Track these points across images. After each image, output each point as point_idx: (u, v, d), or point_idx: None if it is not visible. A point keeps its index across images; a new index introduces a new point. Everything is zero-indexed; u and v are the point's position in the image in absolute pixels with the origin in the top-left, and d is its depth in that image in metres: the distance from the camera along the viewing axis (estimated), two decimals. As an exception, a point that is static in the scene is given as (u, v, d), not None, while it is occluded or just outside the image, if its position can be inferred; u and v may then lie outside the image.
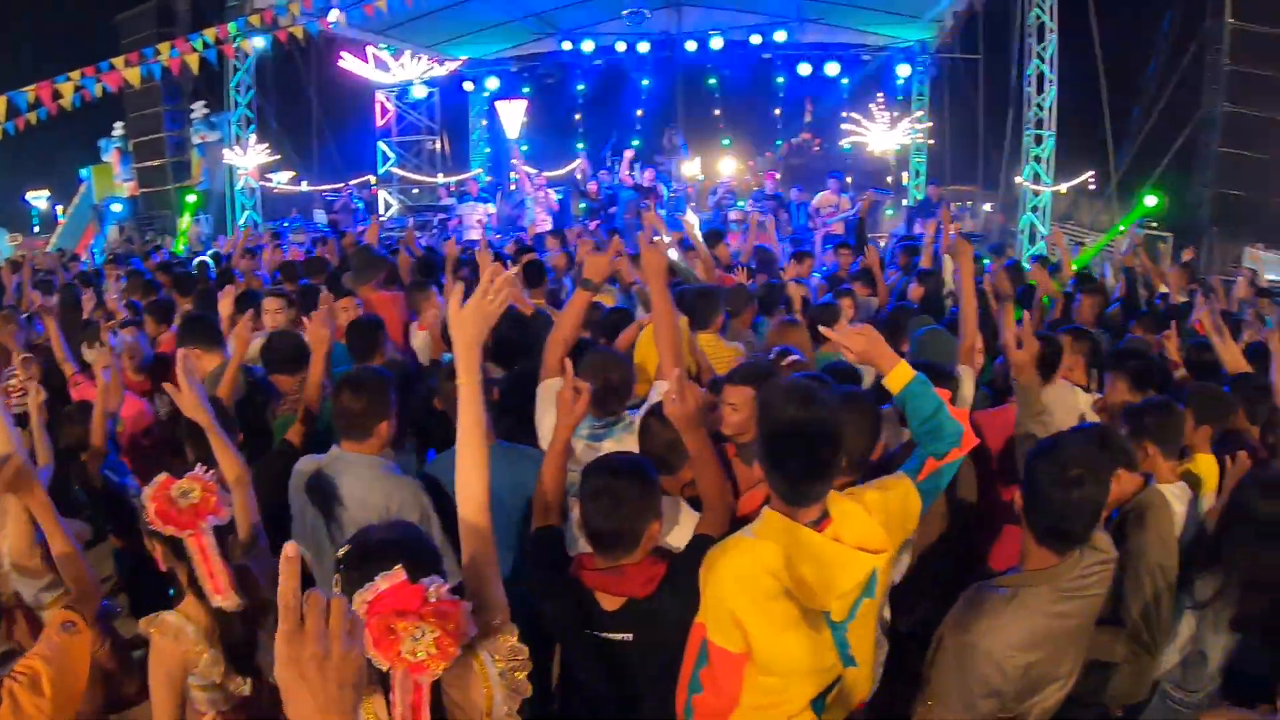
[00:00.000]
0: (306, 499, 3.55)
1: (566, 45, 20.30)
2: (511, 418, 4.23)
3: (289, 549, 1.37)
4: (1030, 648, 2.61)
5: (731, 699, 2.58)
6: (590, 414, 3.60)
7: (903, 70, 19.69)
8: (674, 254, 8.15)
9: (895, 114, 20.35)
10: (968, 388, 4.30)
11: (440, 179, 22.26)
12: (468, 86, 21.94)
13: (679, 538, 3.10)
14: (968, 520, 3.94)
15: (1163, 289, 8.32)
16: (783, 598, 2.50)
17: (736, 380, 3.71)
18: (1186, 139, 18.66)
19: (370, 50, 19.90)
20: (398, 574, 1.85)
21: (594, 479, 2.83)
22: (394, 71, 20.81)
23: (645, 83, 21.46)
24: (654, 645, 2.83)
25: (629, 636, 2.84)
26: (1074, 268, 8.82)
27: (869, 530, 2.61)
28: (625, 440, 3.69)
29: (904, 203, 19.40)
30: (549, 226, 15.24)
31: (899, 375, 2.85)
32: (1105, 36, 17.25)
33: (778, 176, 19.61)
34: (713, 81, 21.63)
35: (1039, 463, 2.67)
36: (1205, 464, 4.12)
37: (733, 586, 2.53)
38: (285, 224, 18.46)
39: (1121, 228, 13.92)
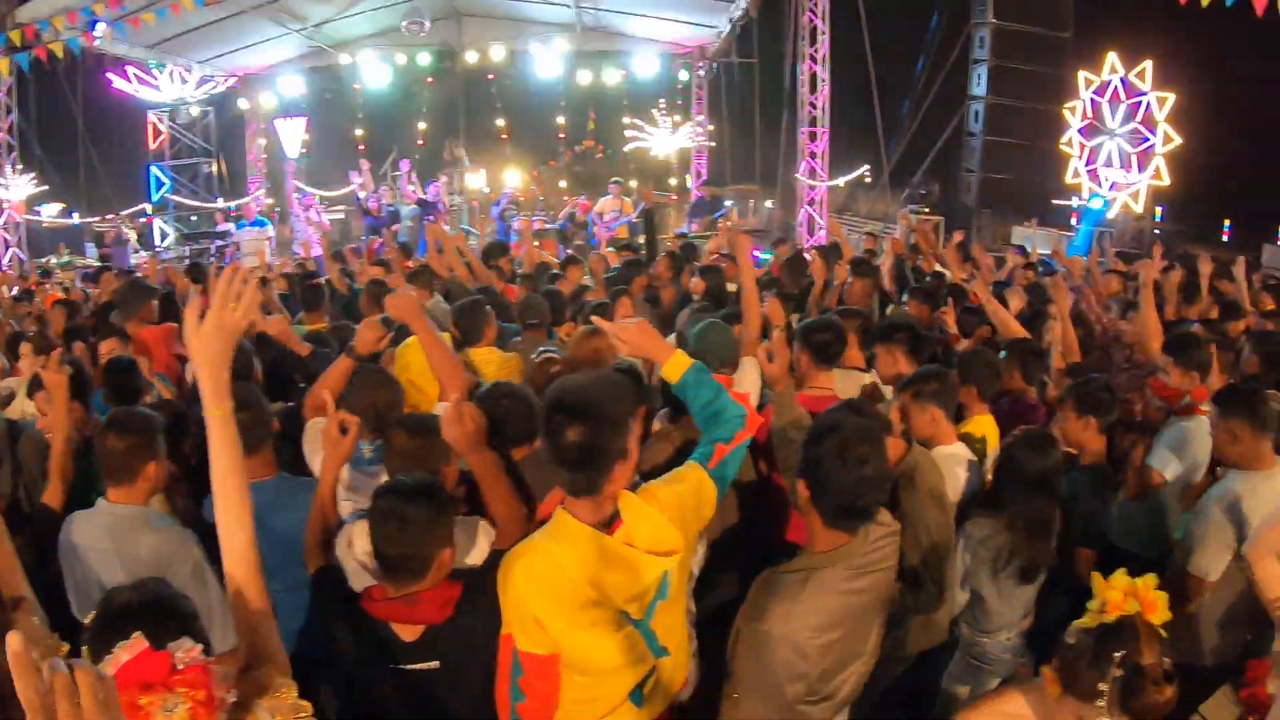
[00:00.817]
0: (76, 563, 3.29)
1: (345, 59, 19.69)
2: (293, 446, 4.07)
3: (13, 642, 1.15)
4: (829, 628, 2.61)
5: (553, 701, 2.54)
6: (362, 438, 3.48)
7: (682, 74, 20.06)
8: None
9: (677, 118, 20.55)
10: (750, 379, 4.32)
11: (220, 204, 21.23)
12: (243, 104, 20.97)
13: (480, 557, 3.04)
14: (759, 505, 3.96)
15: (938, 269, 8.70)
16: (579, 598, 2.47)
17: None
18: (953, 129, 19.77)
19: (134, 70, 18.73)
20: (137, 642, 1.61)
21: (382, 502, 2.71)
22: (166, 90, 19.60)
23: (426, 95, 21.10)
24: (463, 669, 2.74)
25: (435, 664, 2.73)
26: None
27: (660, 531, 2.55)
28: None
29: (685, 205, 19.70)
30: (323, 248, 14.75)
31: (675, 365, 2.79)
32: (875, 37, 17.99)
33: (560, 185, 19.64)
34: (494, 92, 21.45)
35: (822, 446, 2.63)
36: (984, 423, 4.37)
37: (529, 589, 2.47)
38: (54, 261, 17.17)
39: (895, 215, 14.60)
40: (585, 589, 2.47)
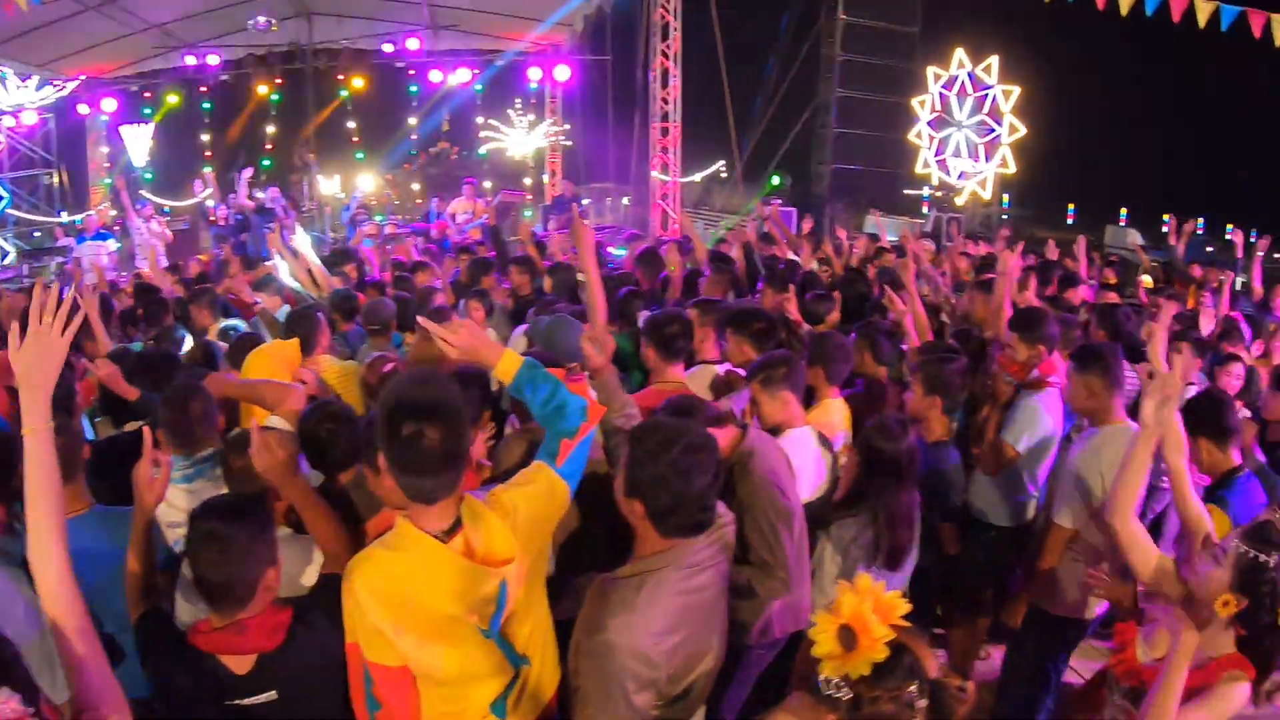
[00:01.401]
0: None
1: (191, 60, 18.77)
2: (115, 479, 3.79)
3: None
4: (672, 631, 2.53)
5: (411, 712, 2.45)
6: (176, 453, 3.38)
7: (536, 73, 19.68)
8: (288, 276, 7.72)
9: (532, 118, 20.46)
10: None
11: (64, 218, 20.27)
12: (83, 110, 20.00)
13: (313, 577, 2.94)
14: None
15: (792, 257, 8.80)
16: (421, 608, 2.39)
17: None
18: (805, 123, 20.26)
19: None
20: None
21: (200, 524, 2.55)
22: (2, 97, 18.65)
23: (275, 98, 20.35)
24: (303, 696, 2.60)
25: (272, 695, 2.57)
26: (707, 247, 9.23)
27: (499, 540, 2.47)
28: (220, 477, 3.45)
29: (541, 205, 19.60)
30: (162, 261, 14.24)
31: (507, 365, 2.70)
32: (727, 33, 18.27)
33: (415, 188, 19.31)
34: (345, 93, 20.71)
35: (656, 460, 2.51)
36: (835, 406, 4.45)
37: (370, 600, 2.37)
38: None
39: (746, 212, 14.84)
40: (426, 599, 2.39)
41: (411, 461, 2.32)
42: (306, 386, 4.35)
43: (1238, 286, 9.01)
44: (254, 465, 2.88)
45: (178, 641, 2.64)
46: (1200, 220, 15.41)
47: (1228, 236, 9.88)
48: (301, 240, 8.09)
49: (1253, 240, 9.65)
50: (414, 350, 4.94)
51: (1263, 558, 2.56)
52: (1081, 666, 4.54)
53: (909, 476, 3.64)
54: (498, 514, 2.50)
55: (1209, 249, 18.02)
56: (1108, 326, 5.77)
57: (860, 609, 1.92)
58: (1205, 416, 3.83)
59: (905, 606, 1.97)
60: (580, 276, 6.87)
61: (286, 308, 6.69)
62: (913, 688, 1.88)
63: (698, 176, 18.14)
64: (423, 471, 2.34)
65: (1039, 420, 4.57)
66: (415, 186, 18.33)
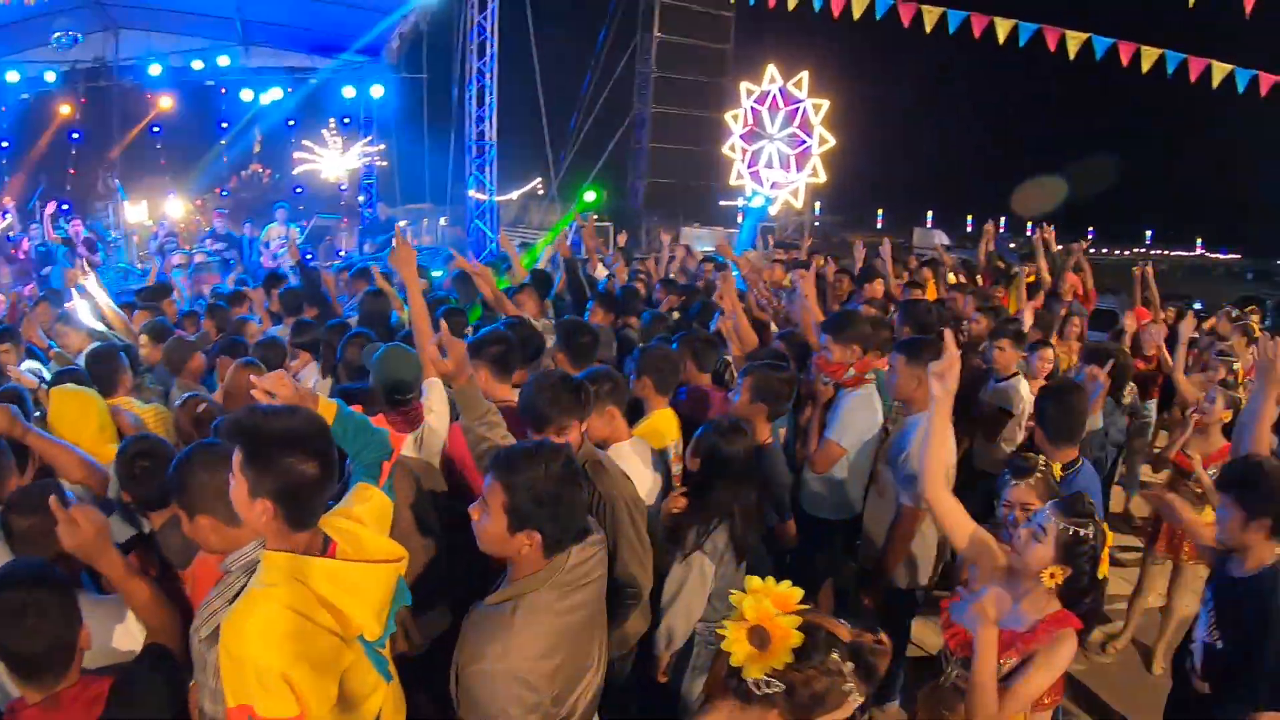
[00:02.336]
0: None
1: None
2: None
3: None
4: (551, 653, 2.52)
5: None
6: None
7: (350, 92, 19.35)
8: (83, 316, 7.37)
9: (346, 138, 20.16)
10: (438, 399, 4.16)
11: None
12: None
13: (125, 639, 2.78)
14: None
15: (606, 273, 9.02)
16: (320, 635, 2.31)
17: None
18: (620, 138, 20.72)
19: None
20: None
21: (6, 597, 2.37)
22: None
23: (78, 118, 19.01)
24: None
25: None
26: (524, 265, 9.31)
27: (377, 541, 2.50)
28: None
29: (357, 227, 19.20)
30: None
31: (326, 410, 2.70)
32: (544, 51, 18.48)
33: (226, 212, 18.51)
34: (153, 114, 19.37)
35: (531, 471, 2.50)
36: (665, 416, 4.44)
37: (270, 648, 2.22)
38: None
39: (564, 225, 15.11)
40: (327, 623, 2.32)
41: (298, 490, 2.29)
42: (124, 429, 4.21)
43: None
44: (64, 544, 2.66)
45: None
46: (1003, 219, 16.31)
47: (1027, 233, 10.53)
48: (90, 282, 7.77)
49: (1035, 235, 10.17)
50: (228, 384, 4.77)
51: (1082, 532, 2.81)
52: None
53: (754, 474, 3.73)
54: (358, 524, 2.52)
55: (1011, 245, 19.17)
56: (912, 321, 6.02)
57: (761, 607, 1.98)
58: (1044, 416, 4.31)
59: (799, 592, 2.03)
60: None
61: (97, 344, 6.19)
62: (835, 655, 1.94)
63: (515, 194, 18.26)
64: (309, 497, 2.33)
65: (860, 417, 4.74)
66: (224, 212, 17.47)
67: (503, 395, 4.17)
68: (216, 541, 2.57)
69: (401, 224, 17.06)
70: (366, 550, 2.45)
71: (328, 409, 2.70)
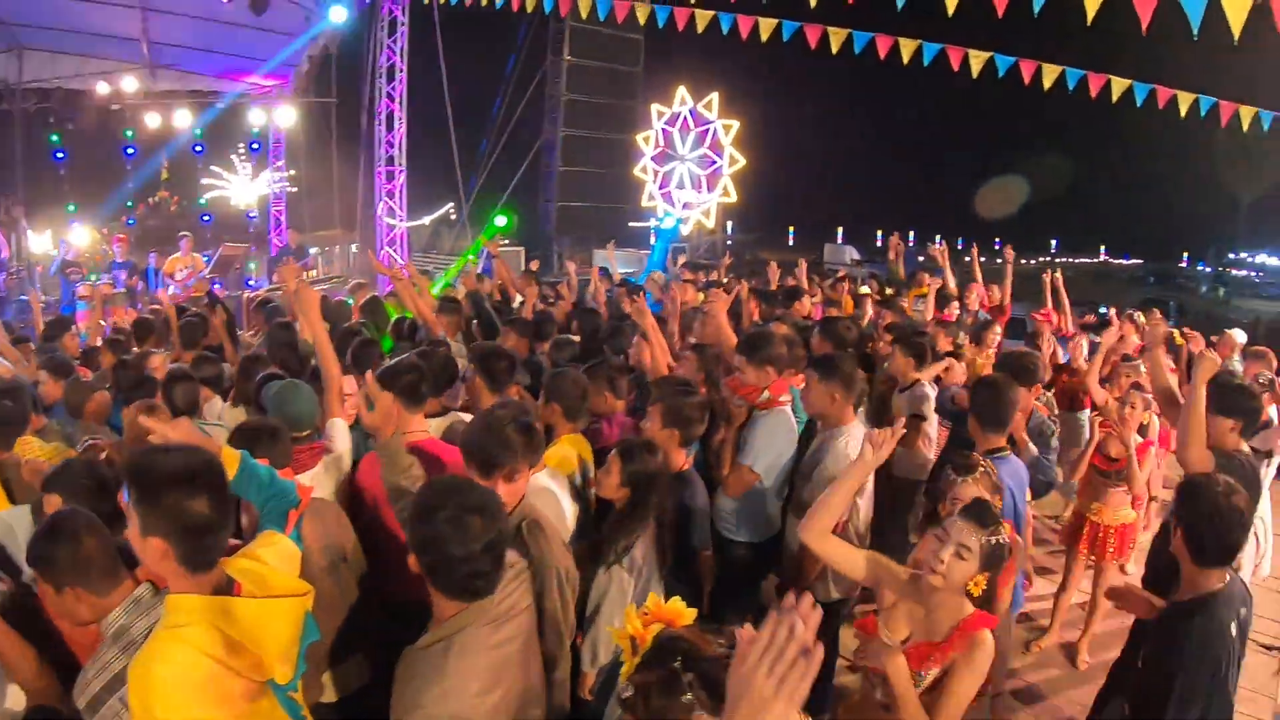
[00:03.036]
0: None
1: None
2: None
3: None
4: (490, 689, 2.50)
5: None
6: None
7: (259, 117, 19.02)
8: None
9: (255, 164, 19.84)
10: (341, 438, 4.11)
11: None
12: None
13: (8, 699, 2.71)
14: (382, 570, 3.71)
15: (520, 299, 9.05)
16: (233, 679, 2.23)
17: None
18: (530, 162, 20.88)
19: None
20: None
21: None
22: None
23: None
24: None
25: None
26: (432, 292, 9.27)
27: (281, 577, 2.44)
28: None
29: (266, 255, 18.90)
30: None
31: (229, 460, 2.68)
32: (454, 75, 18.48)
33: (128, 240, 17.90)
34: (56, 138, 19.10)
35: (439, 525, 2.45)
36: (575, 441, 4.35)
37: (175, 691, 2.13)
38: None
39: (471, 255, 15.20)
40: (238, 665, 2.25)
41: (189, 529, 2.23)
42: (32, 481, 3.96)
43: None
44: None
45: None
46: (910, 233, 16.82)
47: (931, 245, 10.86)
48: None
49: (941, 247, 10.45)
50: (129, 430, 4.59)
51: (999, 539, 2.92)
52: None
53: (670, 488, 3.77)
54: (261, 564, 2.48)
55: (920, 258, 19.67)
56: (831, 337, 6.17)
57: (634, 620, 2.09)
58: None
59: (690, 613, 2.12)
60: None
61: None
62: (675, 664, 1.94)
63: (426, 220, 18.24)
64: (201, 536, 2.26)
65: (774, 441, 4.69)
66: (132, 240, 16.89)
67: (415, 426, 4.10)
68: (86, 613, 2.51)
69: (314, 251, 16.86)
70: (271, 587, 2.39)
71: (230, 459, 2.67)
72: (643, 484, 3.66)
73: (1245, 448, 4.36)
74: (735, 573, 4.76)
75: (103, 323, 9.94)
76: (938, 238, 10.91)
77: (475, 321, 7.56)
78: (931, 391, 6.00)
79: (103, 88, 17.63)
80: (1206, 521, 3.09)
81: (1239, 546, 3.15)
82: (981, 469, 3.72)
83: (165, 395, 5.05)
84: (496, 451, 3.25)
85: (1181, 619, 3.16)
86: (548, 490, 3.82)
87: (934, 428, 6.00)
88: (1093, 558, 5.96)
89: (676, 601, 2.15)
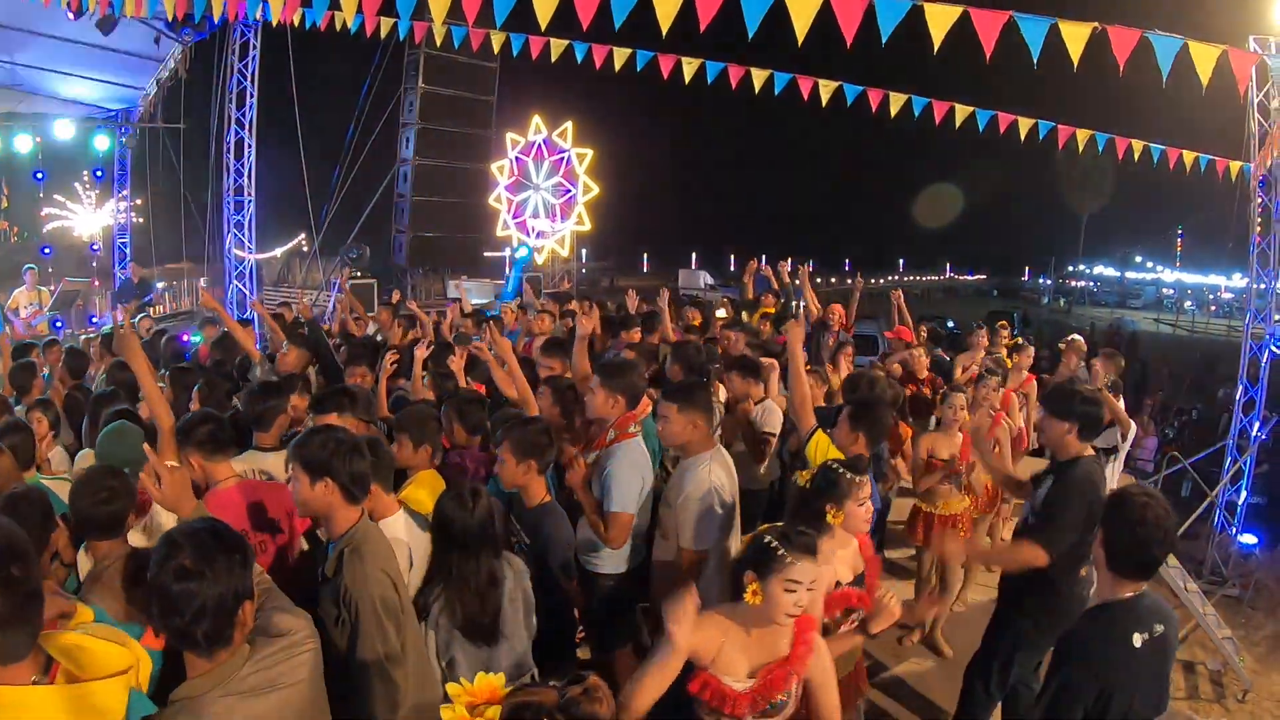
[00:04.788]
0: None
1: None
2: None
3: None
4: None
5: None
6: None
7: (103, 143, 18.02)
8: None
9: (100, 192, 19.26)
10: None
11: None
12: None
13: None
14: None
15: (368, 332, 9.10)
16: None
17: None
18: (383, 191, 20.89)
19: None
20: None
21: None
22: None
23: None
24: None
25: None
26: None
27: (106, 650, 2.23)
28: None
29: (110, 289, 18.22)
30: None
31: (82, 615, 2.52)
32: (306, 102, 18.20)
33: None
34: None
35: (163, 571, 2.29)
36: (426, 478, 4.34)
37: None
38: None
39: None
40: None
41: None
42: None
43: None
44: None
45: None
46: (763, 257, 17.57)
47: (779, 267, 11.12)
48: None
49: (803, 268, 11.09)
50: None
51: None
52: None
53: (486, 544, 3.58)
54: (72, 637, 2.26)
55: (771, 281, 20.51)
56: (682, 360, 6.44)
57: (459, 713, 2.02)
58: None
59: (501, 680, 2.08)
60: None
61: None
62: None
63: (278, 252, 17.94)
64: (15, 620, 2.04)
65: (635, 470, 4.62)
66: None
67: (223, 474, 4.03)
68: None
69: (160, 285, 16.30)
70: (95, 665, 2.19)
71: (84, 615, 2.50)
72: (447, 535, 3.59)
73: (1089, 450, 4.59)
74: (606, 604, 4.76)
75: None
76: (789, 260, 11.50)
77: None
78: (777, 409, 6.29)
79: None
80: (1125, 531, 3.10)
81: (1155, 563, 3.18)
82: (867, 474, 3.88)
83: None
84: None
85: (1082, 620, 3.25)
86: (404, 529, 3.76)
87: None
88: (928, 543, 6.42)
89: (481, 678, 2.09)
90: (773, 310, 10.52)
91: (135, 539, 3.58)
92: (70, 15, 12.45)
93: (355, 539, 3.18)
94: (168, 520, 3.64)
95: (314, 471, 3.20)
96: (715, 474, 4.44)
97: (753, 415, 6.29)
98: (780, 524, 3.19)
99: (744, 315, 10.50)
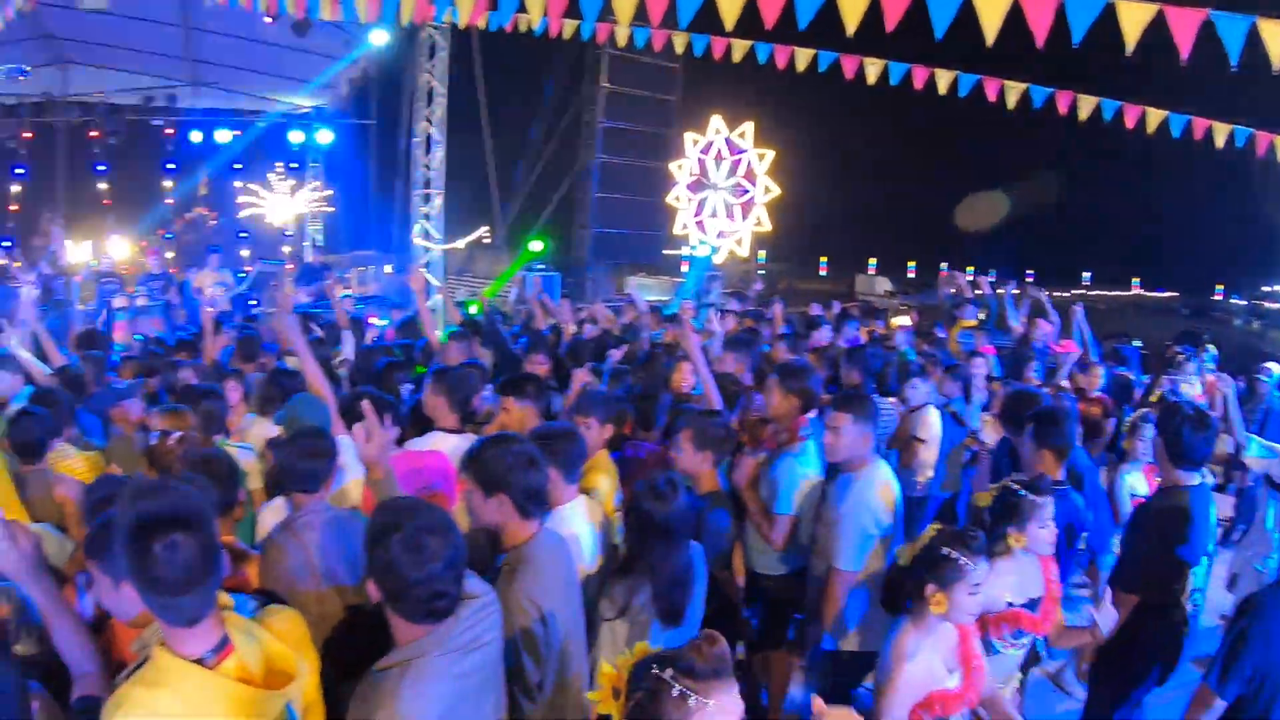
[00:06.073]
0: None
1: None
2: None
3: None
4: (445, 717, 2.39)
5: None
6: None
7: (297, 137, 19.00)
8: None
9: (293, 182, 19.90)
10: (347, 454, 3.83)
11: None
12: None
13: None
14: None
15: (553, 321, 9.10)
16: None
17: None
18: (567, 188, 20.87)
19: None
20: None
21: None
22: None
23: (23, 154, 18.73)
24: None
25: None
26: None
27: (277, 654, 2.25)
28: None
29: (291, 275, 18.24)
30: None
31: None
32: (492, 99, 18.53)
33: (169, 255, 17.87)
34: (98, 151, 19.26)
35: (382, 542, 2.38)
36: (600, 461, 4.40)
37: None
38: None
39: (511, 274, 15.20)
40: None
41: (166, 579, 2.03)
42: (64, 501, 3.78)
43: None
44: None
45: None
46: (944, 264, 16.77)
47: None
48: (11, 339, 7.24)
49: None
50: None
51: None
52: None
53: (681, 536, 3.54)
54: (270, 629, 2.31)
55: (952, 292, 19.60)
56: (859, 366, 6.38)
57: (608, 671, 2.22)
58: None
59: (644, 648, 2.22)
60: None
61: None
62: (652, 671, 2.07)
63: (461, 243, 18.22)
64: (178, 589, 2.05)
65: (798, 477, 4.57)
66: (170, 255, 16.88)
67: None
68: (137, 614, 2.41)
69: (348, 274, 16.78)
70: (260, 663, 2.21)
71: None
72: (645, 526, 3.50)
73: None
74: (764, 604, 4.86)
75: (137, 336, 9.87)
76: (992, 272, 10.73)
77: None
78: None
79: (145, 103, 17.87)
80: None
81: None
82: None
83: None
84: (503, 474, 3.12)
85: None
86: (573, 518, 3.70)
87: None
88: None
89: (622, 658, 2.22)
90: (973, 325, 9.87)
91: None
92: (267, 19, 13.15)
93: (516, 559, 3.10)
94: (353, 490, 3.96)
95: (489, 486, 3.12)
96: (876, 492, 4.27)
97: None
98: (946, 528, 3.24)
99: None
